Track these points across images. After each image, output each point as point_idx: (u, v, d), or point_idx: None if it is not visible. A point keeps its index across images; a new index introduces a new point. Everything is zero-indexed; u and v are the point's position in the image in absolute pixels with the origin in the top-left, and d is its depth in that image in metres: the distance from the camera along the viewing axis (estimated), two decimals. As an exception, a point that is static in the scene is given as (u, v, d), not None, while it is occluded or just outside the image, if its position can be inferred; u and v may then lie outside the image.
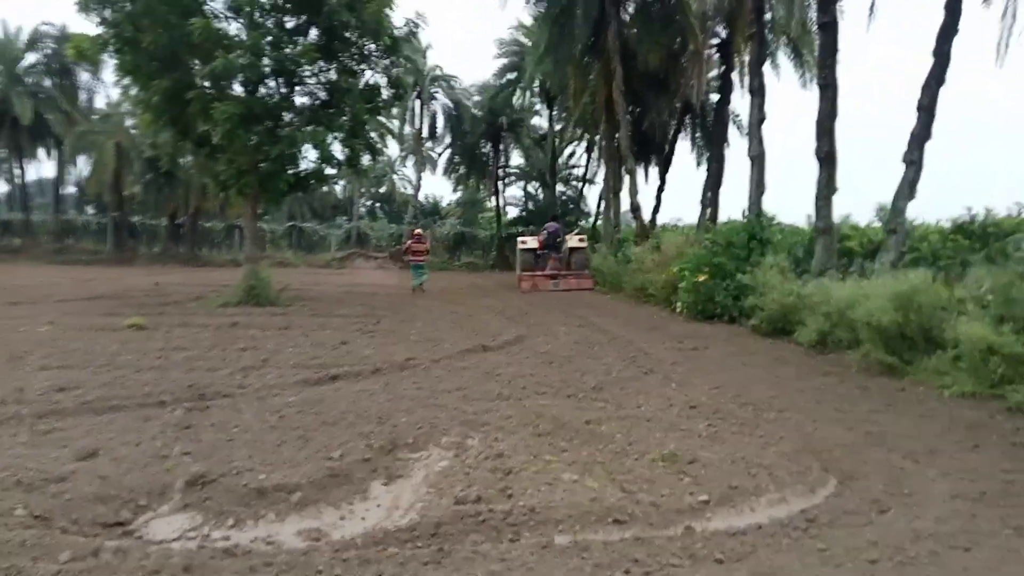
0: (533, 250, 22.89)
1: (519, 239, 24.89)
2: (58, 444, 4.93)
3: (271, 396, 6.62)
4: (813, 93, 20.67)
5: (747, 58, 20.21)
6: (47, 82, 33.35)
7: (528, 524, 3.87)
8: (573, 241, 23.56)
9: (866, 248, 13.84)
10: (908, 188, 12.02)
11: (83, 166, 35.85)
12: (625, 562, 3.45)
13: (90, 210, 44.34)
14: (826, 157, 13.04)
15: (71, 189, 44.69)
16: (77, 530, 3.65)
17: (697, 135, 29.99)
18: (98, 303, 14.22)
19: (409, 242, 21.23)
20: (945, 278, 8.84)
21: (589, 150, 36.83)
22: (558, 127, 36.95)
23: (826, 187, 13.02)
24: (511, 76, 35.38)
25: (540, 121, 39.51)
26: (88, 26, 13.46)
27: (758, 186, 15.30)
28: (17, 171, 36.72)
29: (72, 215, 41.94)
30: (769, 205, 15.18)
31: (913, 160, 11.94)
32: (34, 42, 32.75)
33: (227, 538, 3.69)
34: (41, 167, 52.18)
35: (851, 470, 4.97)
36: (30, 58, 32.94)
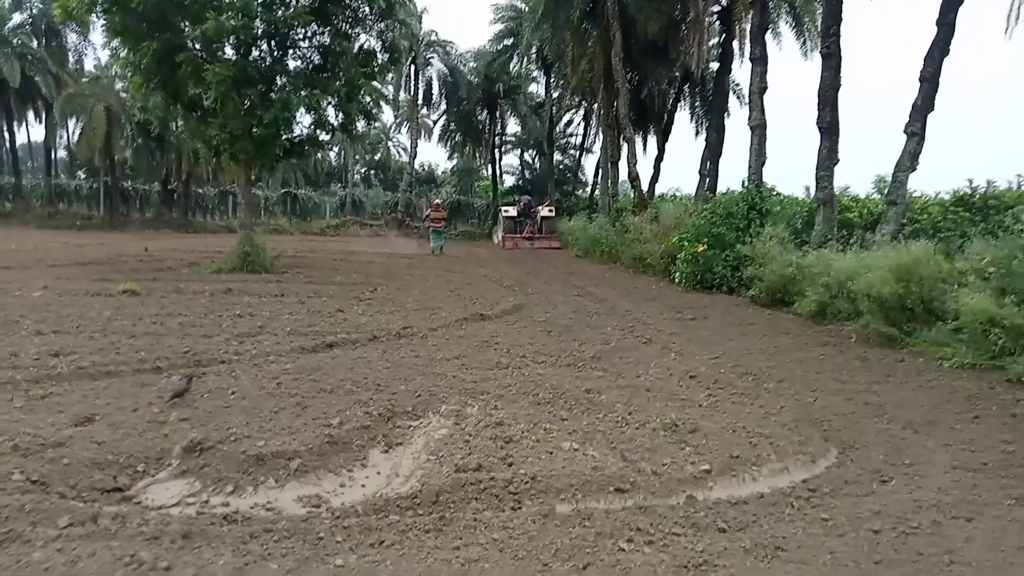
0: (513, 217, 28.22)
1: (502, 208, 29.55)
2: (54, 409, 4.87)
3: (267, 363, 6.56)
4: (815, 63, 20.44)
5: (748, 26, 19.87)
6: (34, 43, 32.68)
7: (529, 492, 3.85)
8: (544, 211, 28.54)
9: (866, 220, 13.80)
10: (909, 159, 11.94)
11: (73, 130, 35.40)
12: (627, 531, 3.43)
13: (81, 175, 43.84)
14: (828, 128, 12.91)
15: (62, 153, 44.21)
16: (75, 495, 3.61)
17: (697, 104, 29.66)
18: (91, 268, 14.07)
19: (429, 211, 25.11)
20: (946, 250, 8.80)
21: (587, 119, 36.50)
22: (555, 95, 36.51)
23: (827, 158, 12.91)
24: (508, 42, 34.87)
25: (537, 89, 39.12)
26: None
27: (758, 156, 15.16)
28: (7, 135, 36.21)
29: (63, 180, 41.45)
30: (768, 176, 15.03)
31: (915, 131, 11.85)
32: (20, 2, 32.01)
33: (226, 504, 3.65)
34: (31, 131, 51.50)
35: (851, 440, 4.97)
36: (16, 18, 32.19)
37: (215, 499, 3.71)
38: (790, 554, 3.26)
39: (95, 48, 34.01)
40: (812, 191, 14.38)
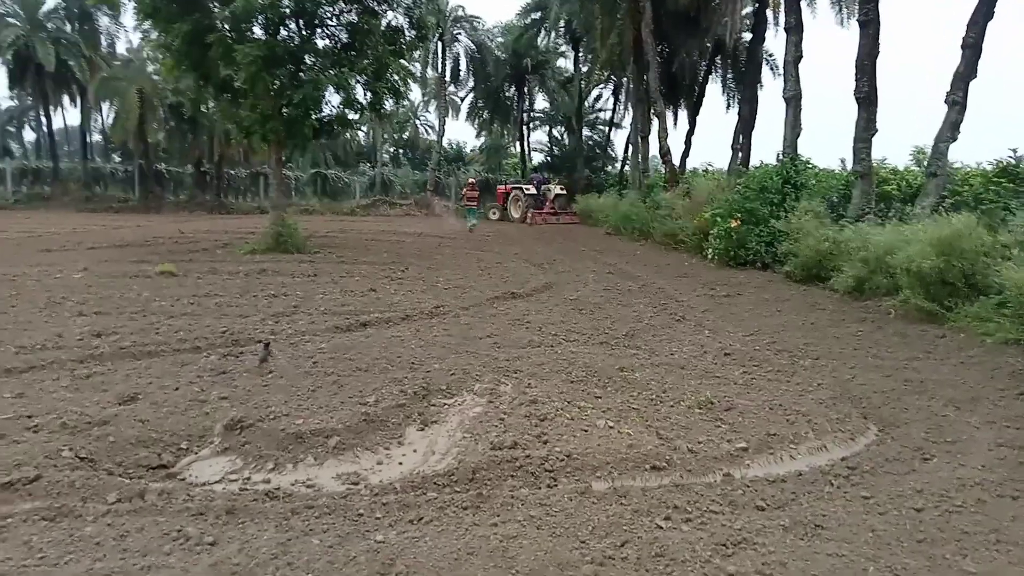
0: (533, 195, 29.30)
1: (524, 187, 30.15)
2: (99, 388, 5.00)
3: (303, 342, 6.66)
4: (851, 31, 19.86)
5: (782, -6, 19.39)
6: (68, 27, 33.11)
7: (565, 470, 3.86)
8: (556, 189, 30.08)
9: (905, 192, 13.44)
10: (950, 129, 11.58)
11: (108, 113, 35.91)
12: (664, 508, 3.43)
13: (116, 158, 44.53)
14: (865, 98, 12.58)
15: (97, 137, 44.94)
16: (122, 472, 3.72)
17: (729, 76, 29.06)
18: (128, 250, 14.35)
19: (465, 190, 26.72)
20: (989, 222, 8.57)
21: (616, 93, 35.97)
22: (584, 69, 36.05)
23: (865, 129, 12.59)
24: (535, 16, 34.43)
25: (566, 63, 38.58)
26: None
27: (793, 128, 14.84)
28: (44, 119, 36.89)
29: (99, 163, 42.16)
30: (803, 149, 14.73)
31: (956, 100, 11.47)
32: (54, -14, 32.42)
33: (267, 481, 3.73)
34: (67, 114, 52.51)
35: (891, 418, 4.90)
36: (50, 3, 32.63)
37: (256, 476, 3.79)
38: (830, 532, 3.23)
39: (127, 31, 34.29)
40: (849, 163, 14.04)
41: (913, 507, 3.47)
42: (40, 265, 11.37)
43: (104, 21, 33.71)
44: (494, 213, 30.01)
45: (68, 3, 32.58)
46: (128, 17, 37.60)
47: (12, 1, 31.81)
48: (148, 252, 13.94)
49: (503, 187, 31.95)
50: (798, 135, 14.87)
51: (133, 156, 35.59)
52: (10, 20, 31.38)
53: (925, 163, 13.14)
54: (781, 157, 14.59)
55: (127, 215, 28.67)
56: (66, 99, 36.01)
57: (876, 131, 12.63)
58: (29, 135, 54.60)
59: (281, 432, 4.22)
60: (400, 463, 4.04)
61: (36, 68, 31.07)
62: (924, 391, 5.48)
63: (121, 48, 35.88)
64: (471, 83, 38.40)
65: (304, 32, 14.45)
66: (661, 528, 3.24)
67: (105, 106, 34.47)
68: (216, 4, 13.57)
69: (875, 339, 7.35)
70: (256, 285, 9.95)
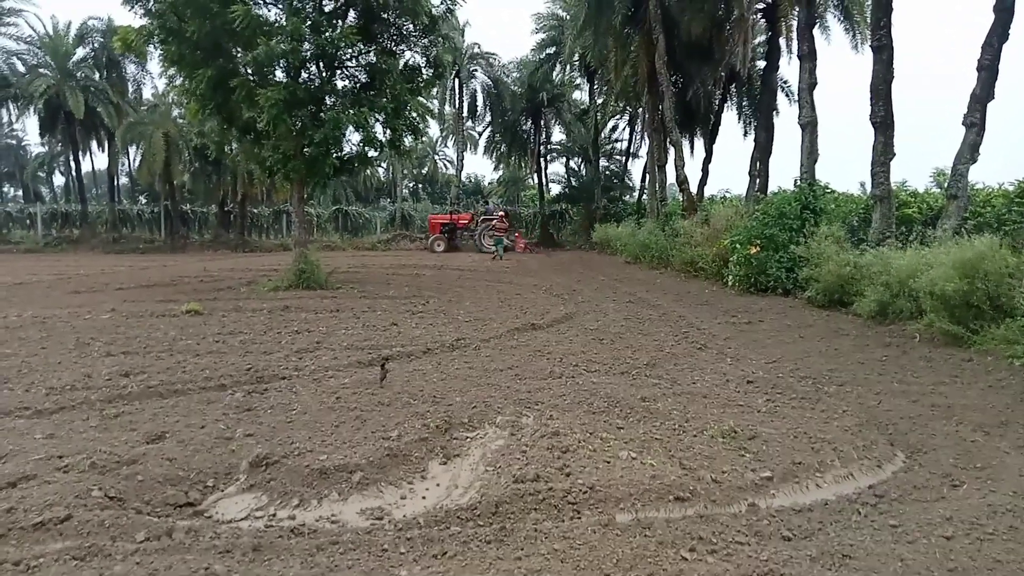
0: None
1: (486, 220, 31.30)
2: (127, 428, 5.08)
3: (326, 378, 6.72)
4: (865, 56, 19.89)
5: (795, 22, 19.54)
6: (96, 75, 34.16)
7: (588, 502, 3.85)
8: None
9: (926, 215, 13.39)
10: (969, 151, 11.54)
11: (134, 157, 36.79)
12: (689, 540, 3.41)
13: (143, 200, 45.54)
14: (881, 122, 12.60)
15: (124, 180, 46.05)
16: (150, 510, 3.76)
17: (744, 104, 29.27)
18: (155, 290, 14.61)
19: (496, 220, 29.85)
20: (1012, 243, 8.48)
21: (632, 123, 36.34)
22: (600, 101, 36.42)
23: (882, 153, 12.59)
24: (550, 51, 35.00)
25: (581, 95, 39.08)
26: (133, 18, 13.71)
27: (810, 154, 14.86)
28: (73, 164, 37.90)
29: (126, 205, 43.12)
30: (821, 174, 14.70)
31: (974, 121, 11.45)
32: (83, 36, 33.49)
33: (293, 517, 3.76)
34: (95, 159, 53.90)
35: (919, 444, 4.83)
36: (80, 52, 33.72)
37: (282, 512, 3.82)
38: (859, 562, 3.19)
39: (152, 77, 35.27)
40: (868, 187, 14.00)
41: (943, 535, 3.42)
42: (70, 306, 11.61)
43: (131, 68, 34.81)
44: (439, 245, 30.38)
45: (96, 52, 33.64)
46: (154, 64, 38.64)
47: (44, 52, 32.93)
48: (174, 292, 14.18)
49: (443, 216, 32.55)
50: (815, 160, 14.89)
51: (159, 198, 36.45)
52: (42, 71, 32.51)
53: (945, 185, 13.07)
54: (799, 183, 14.58)
55: (153, 255, 29.24)
56: (94, 144, 37.11)
57: (894, 155, 12.62)
58: (59, 180, 56.28)
59: (306, 468, 4.25)
60: (423, 497, 4.05)
61: (66, 115, 32.10)
62: (952, 416, 5.40)
63: (147, 94, 36.90)
64: (488, 118, 39.03)
65: (324, 74, 14.83)
66: (686, 560, 3.21)
67: (132, 150, 35.38)
68: (239, 50, 13.97)
69: (900, 364, 7.27)
70: (280, 322, 10.08)
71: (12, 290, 14.63)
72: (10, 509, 3.56)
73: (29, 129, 60.53)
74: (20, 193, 61.11)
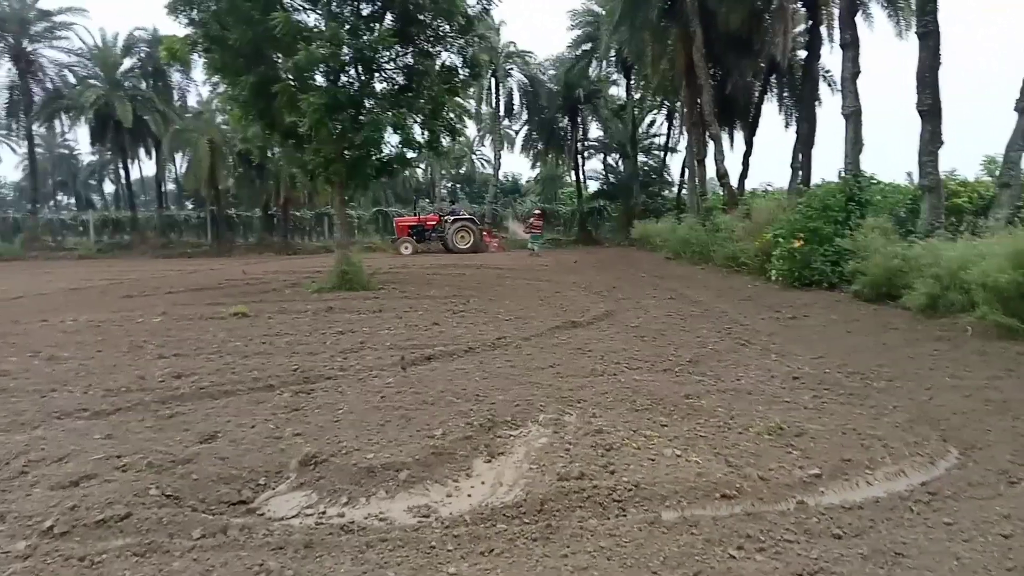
0: (472, 221, 31.23)
1: (467, 219, 31.27)
2: (180, 428, 5.23)
3: (371, 377, 6.81)
4: (910, 42, 19.38)
5: (836, 9, 19.14)
6: (143, 85, 35.17)
7: (633, 500, 3.84)
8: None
9: (977, 204, 12.99)
10: (1022, 138, 11.18)
11: (180, 163, 37.81)
12: (737, 538, 3.37)
13: (189, 205, 46.74)
14: (928, 110, 12.26)
15: (171, 186, 47.30)
16: (205, 508, 3.87)
17: (785, 95, 28.76)
18: (203, 293, 14.98)
19: (531, 219, 30.51)
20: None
21: (670, 118, 35.99)
22: (637, 96, 36.20)
23: (930, 142, 12.26)
24: (586, 47, 34.88)
25: (618, 91, 38.87)
26: (177, 28, 14.07)
27: (854, 144, 14.53)
28: (122, 172, 39.11)
29: (174, 211, 44.33)
30: (866, 164, 14.38)
31: (1027, 107, 11.07)
32: (129, 47, 34.56)
33: (342, 515, 3.82)
34: (142, 166, 55.55)
35: (973, 440, 4.70)
36: (127, 63, 34.82)
37: (331, 510, 3.89)
38: (912, 560, 3.12)
39: (197, 85, 36.22)
40: (915, 177, 13.65)
41: (1000, 533, 3.33)
42: (123, 310, 11.98)
43: (176, 77, 35.87)
44: (406, 248, 29.56)
45: (143, 62, 34.64)
46: (198, 72, 39.58)
47: (93, 63, 34.02)
48: (221, 294, 14.53)
49: (412, 219, 32.12)
50: (860, 151, 14.56)
51: (205, 203, 37.36)
52: (92, 82, 33.59)
53: (997, 173, 12.68)
54: (843, 174, 14.28)
55: (200, 259, 29.97)
56: (142, 152, 38.20)
57: (942, 143, 12.27)
58: (109, 187, 58.09)
59: (353, 466, 4.33)
60: (469, 495, 4.09)
61: (115, 124, 33.15)
62: (1007, 411, 5.24)
63: (192, 101, 37.91)
64: (525, 116, 39.11)
65: (363, 77, 15.00)
66: (734, 558, 3.19)
67: (178, 157, 36.37)
68: (280, 57, 14.23)
69: (952, 358, 7.08)
70: (324, 323, 10.25)
71: (68, 295, 15.17)
72: (73, 507, 3.70)
73: (80, 139, 62.50)
74: (73, 201, 63.34)
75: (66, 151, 58.61)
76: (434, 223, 30.87)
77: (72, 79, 34.58)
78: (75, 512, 3.65)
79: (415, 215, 33.39)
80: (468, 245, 29.87)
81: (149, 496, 3.90)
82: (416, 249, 29.66)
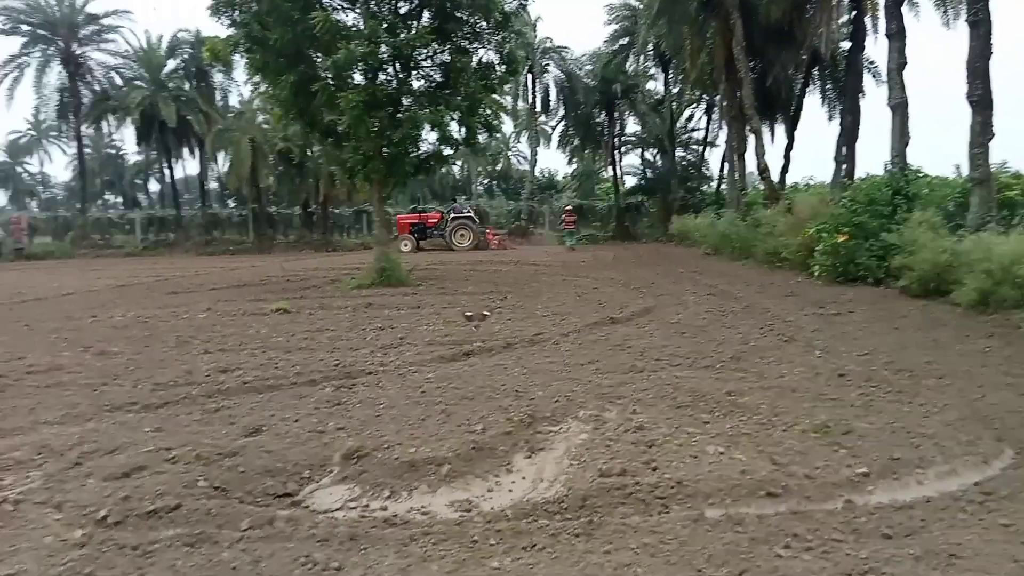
0: (471, 219, 31.31)
1: (467, 217, 31.35)
2: (226, 421, 5.34)
3: (411, 373, 6.87)
4: (959, 32, 18.82)
5: (881, 0, 18.66)
6: (187, 85, 35.94)
7: (676, 497, 3.80)
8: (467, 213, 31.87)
9: (1031, 198, 12.57)
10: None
11: (223, 162, 38.55)
12: (783, 536, 3.32)
13: (231, 203, 47.67)
14: (979, 101, 11.89)
15: (213, 184, 48.26)
16: (252, 500, 3.95)
17: (827, 87, 28.15)
18: (245, 290, 15.27)
19: (564, 216, 31.37)
20: None
21: (709, 112, 35.45)
22: (675, 90, 35.78)
23: (981, 134, 11.89)
24: (623, 42, 34.59)
25: (655, 86, 38.41)
26: (219, 29, 14.36)
27: (901, 137, 14.19)
28: (167, 171, 40.06)
29: (216, 209, 45.26)
30: (913, 157, 14.02)
31: (1086, 95, 10.67)
32: (173, 49, 35.34)
33: (385, 508, 3.86)
34: (186, 165, 56.88)
35: (1029, 439, 4.55)
36: (171, 64, 35.61)
37: (374, 503, 3.93)
38: (967, 562, 3.04)
39: (238, 85, 36.91)
40: (965, 170, 13.27)
41: (1060, 536, 3.22)
42: (169, 307, 12.27)
43: (218, 77, 36.54)
44: (406, 245, 29.16)
45: (186, 63, 35.38)
46: (239, 72, 40.32)
47: (139, 65, 34.85)
48: (263, 291, 14.79)
49: (413, 216, 32.32)
50: (906, 144, 14.21)
51: (246, 201, 38.04)
52: (137, 83, 34.42)
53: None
54: (889, 167, 13.94)
55: (242, 256, 30.53)
56: (186, 151, 38.99)
57: (993, 135, 11.89)
58: (154, 186, 59.53)
59: (395, 461, 4.37)
60: (510, 490, 4.09)
61: (160, 125, 33.93)
62: (1066, 410, 5.07)
63: (234, 101, 38.62)
64: (561, 112, 38.87)
65: (401, 75, 15.10)
66: (781, 557, 3.13)
67: (220, 156, 37.03)
68: (319, 56, 14.41)
69: (1005, 355, 6.86)
70: (364, 319, 10.36)
71: (116, 292, 15.59)
72: (126, 497, 3.80)
73: (127, 139, 64.14)
74: (120, 200, 65.06)
75: (113, 151, 60.21)
76: (435, 221, 31.15)
77: (119, 80, 35.51)
78: (128, 502, 3.75)
79: (417, 213, 33.86)
80: (468, 243, 29.97)
81: (198, 488, 3.98)
82: (416, 247, 29.69)
